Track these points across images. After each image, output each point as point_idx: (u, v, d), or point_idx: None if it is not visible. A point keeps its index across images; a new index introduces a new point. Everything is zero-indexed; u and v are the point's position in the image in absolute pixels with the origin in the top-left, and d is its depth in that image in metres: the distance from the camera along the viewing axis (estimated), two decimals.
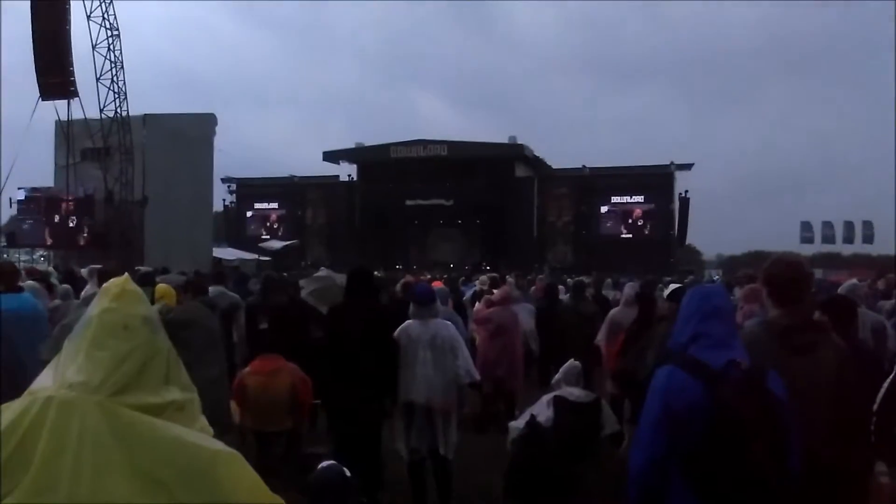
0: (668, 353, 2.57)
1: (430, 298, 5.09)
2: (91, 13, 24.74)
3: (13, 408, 1.34)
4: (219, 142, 30.73)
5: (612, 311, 7.30)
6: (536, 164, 43.30)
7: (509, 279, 12.39)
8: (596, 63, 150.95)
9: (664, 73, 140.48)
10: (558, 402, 4.32)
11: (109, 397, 1.35)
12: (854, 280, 7.20)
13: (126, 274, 1.58)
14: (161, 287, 5.19)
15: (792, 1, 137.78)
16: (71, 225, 26.04)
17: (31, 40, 23.94)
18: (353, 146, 45.75)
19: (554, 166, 44.44)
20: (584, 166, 42.25)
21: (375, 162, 44.08)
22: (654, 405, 2.41)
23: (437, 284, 8.56)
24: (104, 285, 1.52)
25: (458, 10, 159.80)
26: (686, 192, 39.06)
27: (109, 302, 1.45)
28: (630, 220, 40.81)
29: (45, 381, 1.40)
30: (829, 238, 37.88)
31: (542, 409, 4.38)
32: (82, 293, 6.60)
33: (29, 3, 23.87)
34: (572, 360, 4.73)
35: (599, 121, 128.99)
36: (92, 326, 1.42)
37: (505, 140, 42.48)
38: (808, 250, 35.98)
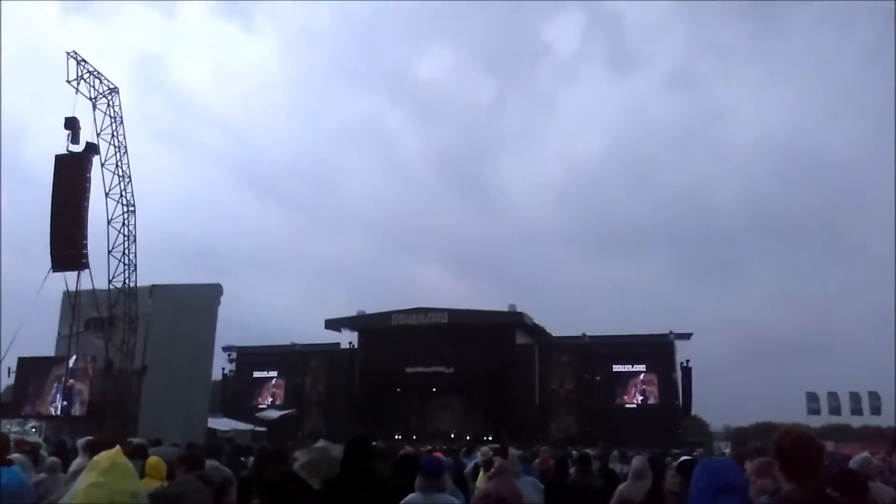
0: None
1: (439, 470, 4.89)
2: (109, 191, 26.00)
3: None
4: (223, 311, 31.07)
5: (621, 486, 6.98)
6: (536, 331, 43.41)
7: (512, 451, 11.98)
8: (590, 236, 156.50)
9: (658, 245, 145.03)
10: None
11: None
12: (865, 453, 6.95)
13: (118, 446, 1.56)
14: (152, 460, 5.02)
15: (782, 177, 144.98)
16: (66, 395, 25.61)
17: (49, 215, 24.95)
18: (354, 314, 46.14)
19: (554, 334, 44.53)
20: (583, 334, 42.35)
21: (376, 329, 44.23)
22: None
23: (437, 455, 8.26)
24: (94, 458, 1.49)
25: (456, 187, 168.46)
26: (687, 361, 39.00)
27: (97, 476, 1.42)
28: (633, 390, 40.24)
29: None
30: (835, 409, 37.21)
31: None
32: (71, 466, 6.36)
33: (52, 179, 25.20)
34: None
35: (596, 290, 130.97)
36: (77, 501, 1.37)
37: (504, 308, 42.90)
38: (815, 421, 35.21)
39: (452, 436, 37.57)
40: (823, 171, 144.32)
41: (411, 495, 4.75)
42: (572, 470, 9.13)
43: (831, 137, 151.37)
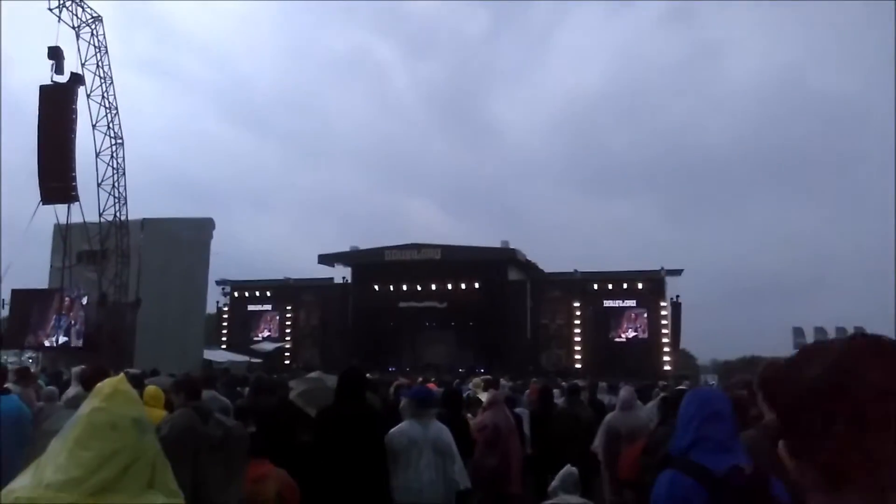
0: (669, 457, 2.51)
1: (430, 399, 5.01)
2: (96, 123, 25.56)
3: None
4: (216, 245, 31.07)
5: (609, 416, 7.13)
6: (529, 268, 43.64)
7: (503, 382, 12.22)
8: (583, 172, 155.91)
9: (650, 181, 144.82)
10: None
11: (87, 497, 1.30)
12: None
13: (122, 374, 1.57)
14: (150, 389, 5.10)
15: (774, 113, 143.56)
16: (62, 327, 25.82)
17: (36, 147, 24.57)
18: (348, 249, 46.21)
19: (546, 270, 44.80)
20: (575, 270, 42.62)
21: (370, 265, 44.37)
22: None
23: (432, 387, 8.42)
24: (98, 385, 1.50)
25: (448, 122, 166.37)
26: (677, 296, 39.42)
27: (100, 402, 1.43)
28: (624, 324, 40.80)
29: (24, 481, 1.36)
30: None
31: None
32: (64, 395, 6.47)
33: (37, 111, 24.70)
34: (569, 466, 4.58)
35: (589, 227, 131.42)
36: (79, 426, 1.39)
37: (497, 244, 43.01)
38: None
39: (445, 368, 38.23)
40: (819, 111, 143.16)
41: (406, 422, 4.86)
42: (560, 399, 9.32)
43: (829, 77, 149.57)
